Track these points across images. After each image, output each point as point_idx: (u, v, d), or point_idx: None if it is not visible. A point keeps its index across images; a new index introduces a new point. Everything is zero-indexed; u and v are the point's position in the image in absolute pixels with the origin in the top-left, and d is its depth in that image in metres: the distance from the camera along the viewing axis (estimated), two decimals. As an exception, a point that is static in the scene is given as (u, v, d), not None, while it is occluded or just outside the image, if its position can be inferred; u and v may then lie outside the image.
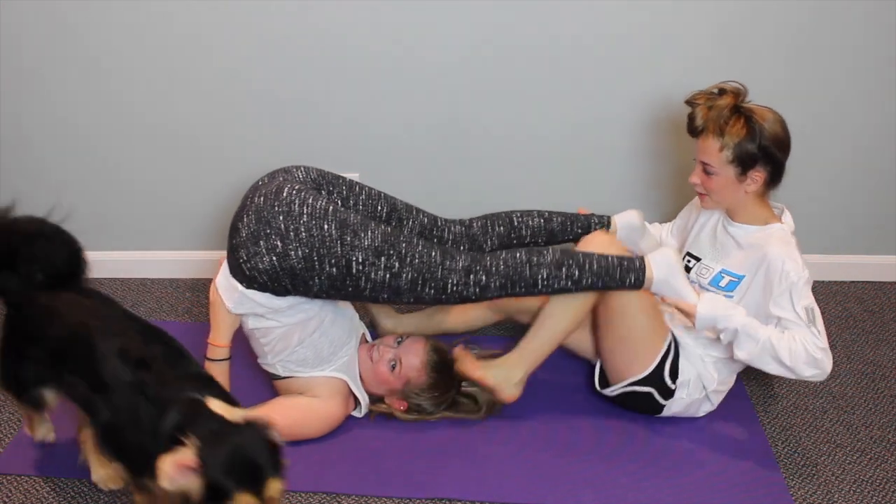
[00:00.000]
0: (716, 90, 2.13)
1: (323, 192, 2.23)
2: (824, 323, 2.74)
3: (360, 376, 2.34)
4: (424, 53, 2.62)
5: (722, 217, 2.28)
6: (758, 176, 2.10)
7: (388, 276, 2.08)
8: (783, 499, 2.15)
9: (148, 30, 2.58)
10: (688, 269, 2.33)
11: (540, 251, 2.17)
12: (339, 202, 2.25)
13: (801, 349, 2.09)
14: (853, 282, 3.00)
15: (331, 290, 2.09)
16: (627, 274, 2.15)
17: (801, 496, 2.17)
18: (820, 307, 2.82)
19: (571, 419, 2.38)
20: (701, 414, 2.36)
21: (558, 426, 2.36)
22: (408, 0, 2.54)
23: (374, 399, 2.36)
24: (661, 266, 2.16)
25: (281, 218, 2.05)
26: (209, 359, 2.19)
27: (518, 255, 2.15)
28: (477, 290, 2.13)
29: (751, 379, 2.54)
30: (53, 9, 2.54)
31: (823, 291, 2.95)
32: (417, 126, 2.72)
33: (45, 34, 2.58)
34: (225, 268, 2.15)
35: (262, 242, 2.04)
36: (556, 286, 2.14)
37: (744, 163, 2.08)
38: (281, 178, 2.17)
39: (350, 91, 2.68)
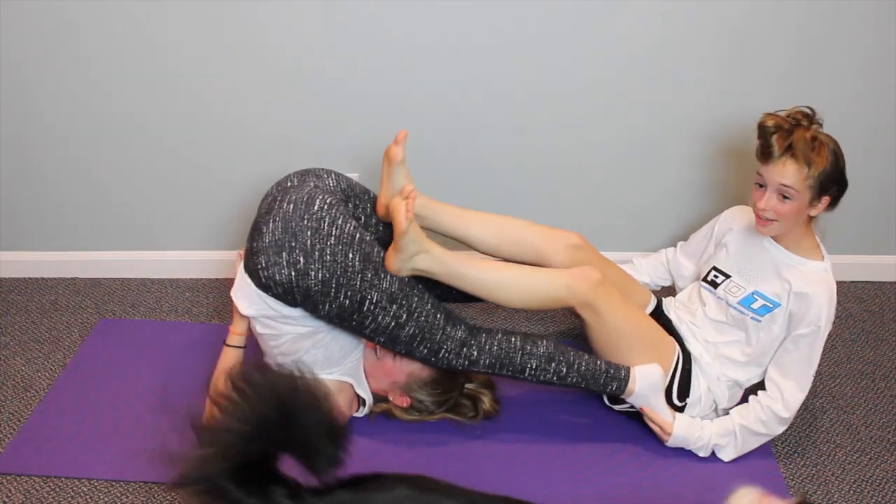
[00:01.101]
0: (786, 114, 2.11)
1: (349, 205, 2.23)
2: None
3: (365, 377, 2.34)
4: (429, 53, 2.62)
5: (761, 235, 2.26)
6: (825, 201, 2.11)
7: (392, 324, 2.10)
8: (783, 498, 2.15)
9: (152, 30, 2.58)
10: (714, 285, 2.31)
11: (535, 341, 2.22)
12: (362, 220, 2.25)
13: (769, 414, 2.19)
14: (853, 282, 3.00)
15: (336, 318, 2.08)
16: (611, 382, 2.22)
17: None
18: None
19: (571, 419, 2.38)
20: None
21: (557, 426, 2.36)
22: (412, 1, 2.54)
23: (377, 399, 2.36)
24: (645, 382, 2.22)
25: (309, 234, 2.02)
26: (226, 343, 2.23)
27: (513, 340, 2.20)
28: (466, 362, 2.18)
29: (751, 379, 2.54)
30: (56, 10, 2.54)
31: (823, 291, 2.95)
32: (419, 127, 2.72)
33: (46, 36, 2.58)
34: (241, 268, 2.14)
35: (284, 254, 2.01)
36: (541, 378, 2.21)
37: (820, 189, 2.08)
38: (312, 184, 2.16)
39: (351, 91, 2.68)
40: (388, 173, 2.22)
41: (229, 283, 2.91)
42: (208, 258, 2.95)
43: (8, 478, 2.17)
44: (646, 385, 2.22)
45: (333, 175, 2.24)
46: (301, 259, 2.00)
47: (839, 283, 2.95)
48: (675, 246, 2.57)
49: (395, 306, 2.08)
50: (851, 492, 2.19)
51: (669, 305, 2.44)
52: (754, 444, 2.24)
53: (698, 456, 2.26)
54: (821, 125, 2.12)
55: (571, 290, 2.16)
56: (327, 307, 2.04)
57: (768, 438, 2.24)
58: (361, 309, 2.06)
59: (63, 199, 2.86)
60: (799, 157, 2.04)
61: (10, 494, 2.12)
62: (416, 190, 2.22)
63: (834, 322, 2.76)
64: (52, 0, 2.53)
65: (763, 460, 2.26)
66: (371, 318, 2.08)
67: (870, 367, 2.62)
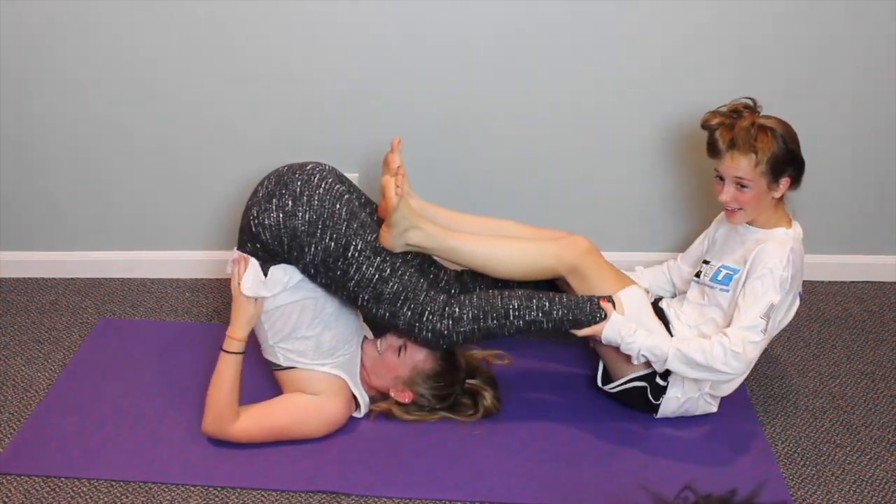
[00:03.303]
0: (727, 109, 2.21)
1: (345, 186, 2.29)
2: (824, 323, 2.79)
3: (362, 375, 2.34)
4: (429, 54, 2.62)
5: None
6: (784, 182, 2.19)
7: (376, 276, 2.15)
8: (783, 499, 2.15)
9: (148, 33, 2.58)
10: (698, 275, 2.38)
11: (511, 287, 2.31)
12: (357, 204, 2.28)
13: (714, 347, 2.14)
14: (853, 282, 3.00)
15: (321, 265, 2.13)
16: (597, 310, 2.22)
17: (800, 496, 2.17)
18: (820, 307, 2.86)
19: (571, 419, 2.38)
20: (699, 413, 2.36)
21: (558, 426, 2.36)
22: (412, 1, 2.54)
23: (378, 397, 2.36)
24: (632, 301, 2.24)
25: (299, 183, 2.15)
26: (225, 350, 2.21)
27: (490, 291, 2.27)
28: (450, 322, 2.20)
29: (750, 379, 2.53)
30: (56, 11, 2.54)
31: (823, 291, 2.95)
32: (419, 127, 2.72)
33: (45, 36, 2.58)
34: (252, 262, 2.20)
35: (274, 200, 2.13)
36: (527, 317, 2.21)
37: (775, 172, 2.16)
38: (310, 161, 2.29)
39: (351, 91, 2.68)
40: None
41: (229, 282, 2.91)
42: (208, 258, 2.95)
43: (8, 478, 2.17)
44: (633, 304, 2.23)
45: (331, 165, 2.33)
46: (289, 202, 2.12)
47: (839, 283, 2.99)
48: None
49: (378, 259, 2.14)
50: (851, 492, 2.19)
51: (663, 299, 2.49)
52: (691, 373, 2.18)
53: (696, 457, 2.26)
54: (759, 113, 2.20)
55: (560, 258, 2.25)
56: (313, 250, 2.11)
57: (704, 373, 2.17)
58: (346, 255, 2.12)
59: (63, 199, 2.86)
60: (743, 148, 2.14)
61: (10, 494, 2.12)
62: (404, 169, 2.30)
63: (834, 322, 2.79)
64: (51, 1, 2.53)
65: (763, 460, 2.26)
66: (356, 267, 2.13)
67: (870, 367, 2.62)
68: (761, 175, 2.15)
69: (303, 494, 2.14)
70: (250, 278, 2.16)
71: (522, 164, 2.80)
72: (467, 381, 2.36)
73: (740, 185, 2.17)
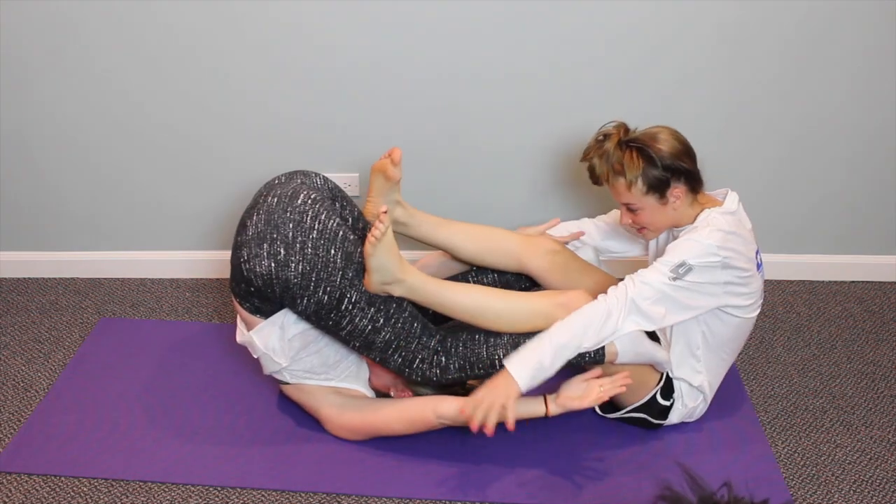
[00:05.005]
0: (601, 137, 2.15)
1: (336, 205, 2.24)
2: (824, 323, 2.79)
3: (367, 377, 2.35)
4: (429, 53, 2.62)
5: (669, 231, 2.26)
6: (677, 192, 2.11)
7: (369, 327, 2.09)
8: (783, 499, 2.15)
9: (149, 32, 2.58)
10: None
11: (498, 332, 2.15)
12: (349, 221, 2.25)
13: (600, 302, 2.06)
14: (853, 282, 3.00)
15: (313, 315, 2.07)
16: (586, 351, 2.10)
17: (800, 496, 2.17)
18: (820, 307, 2.86)
19: (570, 419, 2.38)
20: (697, 417, 2.36)
21: (557, 426, 2.35)
22: (406, 4, 2.54)
23: (378, 396, 2.36)
24: (625, 339, 2.11)
25: (291, 226, 2.04)
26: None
27: (477, 336, 2.16)
28: (437, 371, 2.16)
29: (751, 379, 2.54)
30: (55, 10, 2.54)
31: (823, 291, 2.95)
32: (417, 128, 2.72)
33: (45, 36, 2.58)
34: (241, 326, 2.19)
35: (265, 245, 2.03)
36: None
37: (657, 188, 2.09)
38: (298, 181, 2.18)
39: (350, 93, 2.68)
40: (380, 190, 2.24)
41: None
42: (208, 258, 2.95)
43: (8, 478, 2.17)
44: (626, 341, 2.11)
45: (321, 176, 2.26)
46: (281, 251, 2.02)
47: (839, 283, 2.99)
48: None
49: (373, 309, 2.07)
50: (851, 492, 2.19)
51: None
52: (592, 333, 2.05)
53: (697, 457, 2.26)
54: (620, 133, 2.12)
55: (551, 318, 2.10)
56: (305, 301, 2.04)
57: (609, 324, 2.05)
58: (339, 307, 2.05)
59: (63, 198, 2.87)
60: (611, 176, 2.11)
61: (10, 494, 2.12)
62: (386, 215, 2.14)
63: (834, 322, 2.79)
64: (51, 0, 2.53)
65: (763, 460, 2.26)
66: (348, 319, 2.07)
67: (870, 367, 2.62)
68: (643, 195, 2.09)
69: (303, 494, 2.14)
70: (275, 340, 2.14)
71: (522, 173, 2.80)
72: (467, 381, 2.36)
73: (629, 208, 2.13)
